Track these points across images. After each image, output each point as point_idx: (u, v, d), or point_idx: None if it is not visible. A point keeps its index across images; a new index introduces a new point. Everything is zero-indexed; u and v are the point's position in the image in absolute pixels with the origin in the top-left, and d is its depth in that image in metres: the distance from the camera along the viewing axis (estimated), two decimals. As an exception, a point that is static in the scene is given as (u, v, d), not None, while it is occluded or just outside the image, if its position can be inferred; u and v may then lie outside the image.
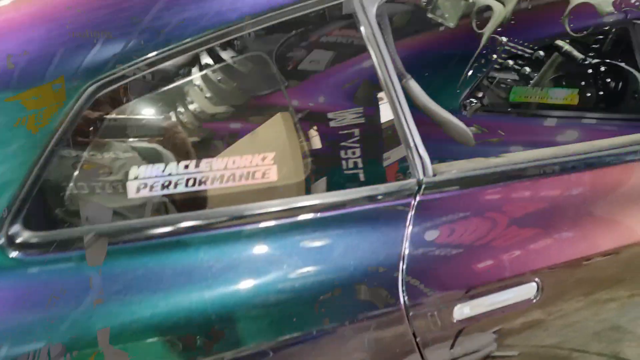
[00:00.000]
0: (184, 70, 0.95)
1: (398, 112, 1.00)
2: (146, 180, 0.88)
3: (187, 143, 0.94)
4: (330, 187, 0.98)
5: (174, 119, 0.94)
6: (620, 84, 1.77)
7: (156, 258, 0.86)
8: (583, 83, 1.84)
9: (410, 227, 0.98)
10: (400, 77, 1.23)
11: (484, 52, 2.30)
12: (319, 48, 0.99)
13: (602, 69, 1.80)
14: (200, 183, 0.90)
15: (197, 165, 0.90)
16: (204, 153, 0.95)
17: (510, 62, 2.20)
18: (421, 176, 1.02)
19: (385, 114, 1.01)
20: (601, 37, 1.92)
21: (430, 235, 0.99)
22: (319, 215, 0.95)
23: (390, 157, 1.07)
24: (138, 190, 0.87)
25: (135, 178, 0.88)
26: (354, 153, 0.99)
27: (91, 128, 0.86)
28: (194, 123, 0.96)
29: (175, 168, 0.89)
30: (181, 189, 0.89)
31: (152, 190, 0.88)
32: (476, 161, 1.12)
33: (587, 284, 1.14)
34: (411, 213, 0.98)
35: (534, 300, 1.07)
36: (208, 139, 0.98)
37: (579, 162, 1.15)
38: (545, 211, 1.10)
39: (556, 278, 1.10)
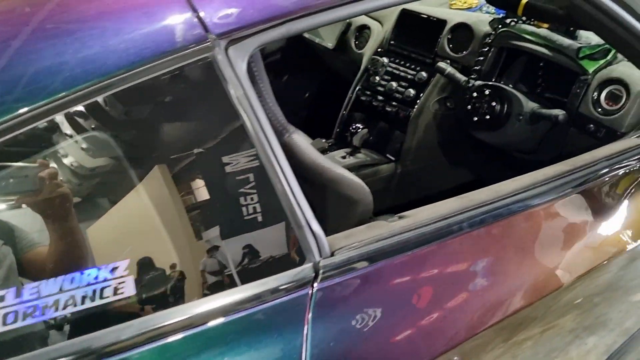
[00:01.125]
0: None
1: (283, 185, 0.82)
2: None
3: (68, 200, 0.72)
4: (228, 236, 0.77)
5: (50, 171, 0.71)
6: (506, 106, 1.73)
7: None
8: (469, 107, 1.78)
9: (310, 328, 0.80)
10: (283, 132, 1.06)
11: (366, 73, 2.20)
12: (175, 114, 0.78)
13: (487, 91, 1.75)
14: (24, 317, 0.66)
15: (17, 295, 0.66)
16: (84, 216, 0.73)
17: (394, 84, 2.11)
18: (317, 258, 0.85)
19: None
20: (481, 58, 1.88)
21: (336, 333, 0.82)
22: (193, 331, 0.74)
23: None
24: None
25: None
26: (252, 199, 0.80)
27: None
28: (73, 180, 0.73)
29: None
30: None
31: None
32: (377, 226, 0.97)
33: (506, 330, 1.05)
34: (309, 312, 0.80)
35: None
36: (89, 198, 0.75)
37: (487, 214, 1.04)
38: (462, 276, 0.98)
39: (477, 342, 0.99)
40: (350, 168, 2.02)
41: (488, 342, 1.02)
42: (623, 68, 1.60)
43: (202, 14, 0.77)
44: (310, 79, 2.71)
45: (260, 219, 0.82)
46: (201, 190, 0.78)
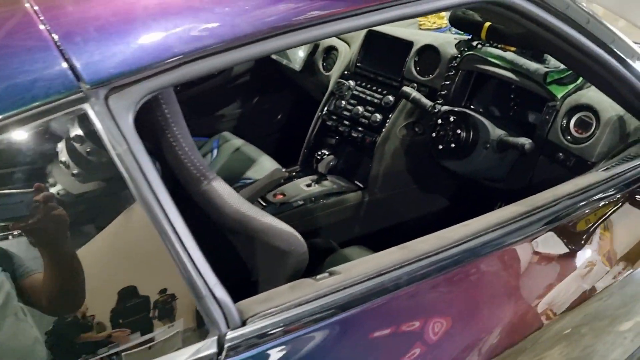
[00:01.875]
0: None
1: (177, 250, 0.71)
2: None
3: (64, 224, 0.66)
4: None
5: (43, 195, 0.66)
6: (472, 133, 1.63)
7: None
8: (434, 135, 1.68)
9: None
10: (201, 180, 0.96)
11: (332, 97, 2.11)
12: (43, 174, 0.68)
13: (452, 118, 1.65)
14: None
15: None
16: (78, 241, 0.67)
17: (360, 108, 2.01)
18: (223, 330, 0.74)
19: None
20: (448, 82, 1.78)
21: None
22: None
23: None
24: None
25: None
26: (142, 268, 0.72)
27: None
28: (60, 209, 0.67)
29: None
30: None
31: None
32: (301, 286, 0.86)
33: None
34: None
35: None
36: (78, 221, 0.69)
37: (431, 266, 0.93)
38: (401, 339, 0.88)
39: None
40: (316, 196, 1.93)
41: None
42: (593, 93, 1.50)
43: (73, 61, 0.67)
44: (282, 101, 2.62)
45: (153, 290, 0.72)
46: (78, 259, 0.68)
